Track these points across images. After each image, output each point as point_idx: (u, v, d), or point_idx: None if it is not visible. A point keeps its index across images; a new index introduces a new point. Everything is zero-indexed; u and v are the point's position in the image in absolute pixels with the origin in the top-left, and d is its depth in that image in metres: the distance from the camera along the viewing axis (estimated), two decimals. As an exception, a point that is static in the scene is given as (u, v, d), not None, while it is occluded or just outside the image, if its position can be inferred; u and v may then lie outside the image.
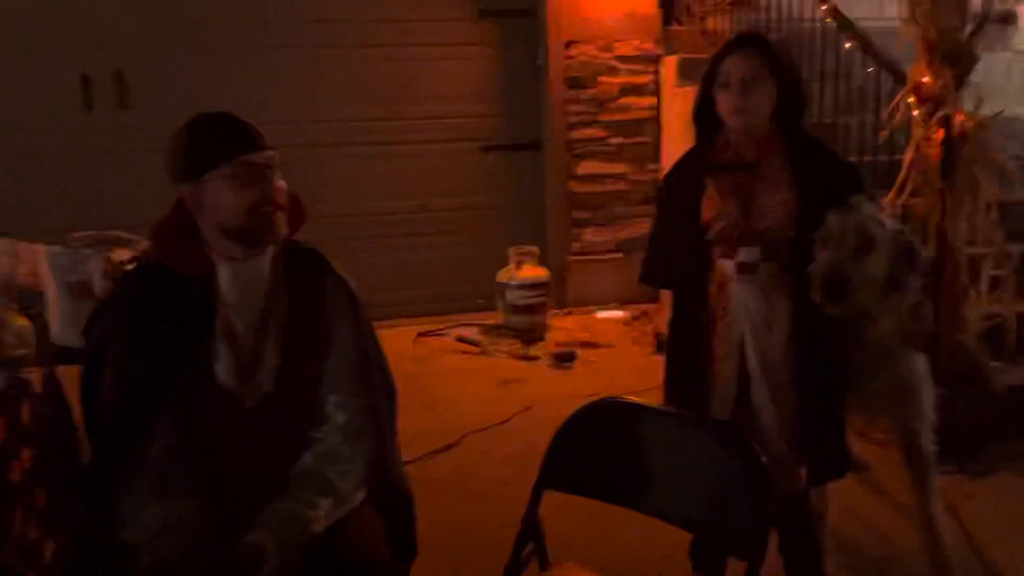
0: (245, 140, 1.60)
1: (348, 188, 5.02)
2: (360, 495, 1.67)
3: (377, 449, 1.73)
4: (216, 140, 1.59)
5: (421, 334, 4.77)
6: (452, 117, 5.13)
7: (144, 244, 2.63)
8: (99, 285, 2.09)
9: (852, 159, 3.42)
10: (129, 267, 2.38)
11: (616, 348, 4.50)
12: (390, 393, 1.85)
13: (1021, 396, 3.12)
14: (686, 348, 2.14)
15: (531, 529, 1.67)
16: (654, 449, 1.60)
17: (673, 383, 2.19)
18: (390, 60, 4.97)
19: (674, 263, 2.16)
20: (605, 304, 5.14)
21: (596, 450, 1.66)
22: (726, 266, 2.06)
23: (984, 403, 3.09)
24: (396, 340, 4.63)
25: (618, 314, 5.02)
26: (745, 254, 2.03)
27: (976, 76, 4.70)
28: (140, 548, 1.48)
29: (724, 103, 2.02)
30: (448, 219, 5.22)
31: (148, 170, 4.06)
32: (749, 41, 2.08)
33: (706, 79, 2.07)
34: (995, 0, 3.06)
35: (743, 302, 2.05)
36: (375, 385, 1.76)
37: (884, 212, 2.17)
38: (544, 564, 1.70)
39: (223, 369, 1.62)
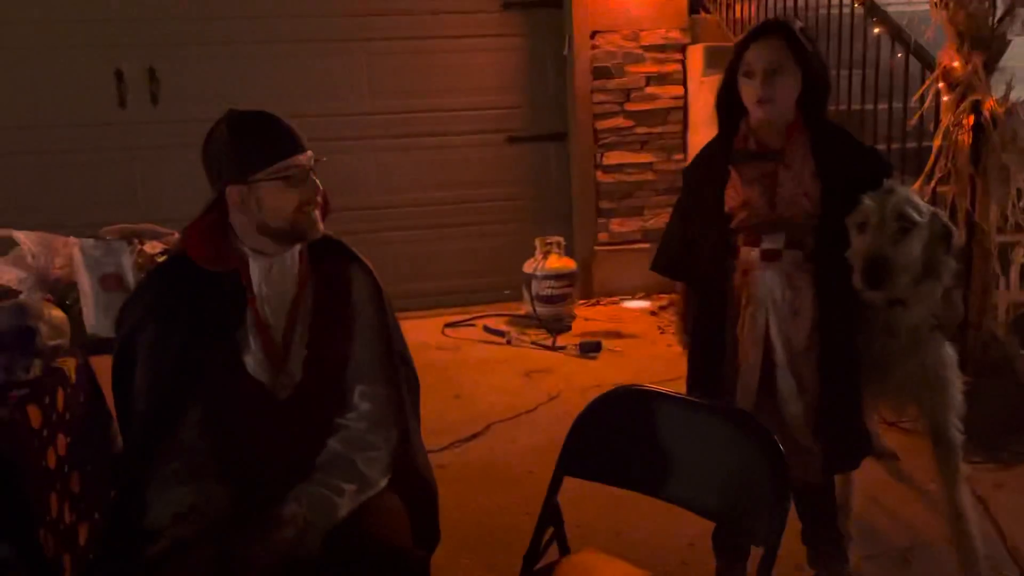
0: (292, 142, 1.63)
1: (375, 181, 5.07)
2: (384, 482, 1.70)
3: (401, 437, 1.75)
4: (264, 142, 1.61)
5: (449, 324, 4.81)
6: (479, 108, 5.15)
7: (175, 237, 2.68)
8: (131, 277, 2.14)
9: (880, 146, 3.40)
10: (160, 258, 2.46)
11: (642, 338, 4.50)
12: (413, 383, 1.88)
13: (1052, 385, 3.07)
14: (710, 337, 2.12)
15: (551, 515, 1.69)
16: (672, 436, 1.61)
17: (697, 372, 2.18)
18: (416, 53, 5.00)
19: (695, 253, 2.15)
20: (632, 294, 5.14)
21: (615, 437, 1.68)
22: (751, 254, 2.05)
23: (1014, 392, 3.05)
24: (424, 330, 4.69)
25: (644, 304, 5.02)
26: (770, 241, 2.02)
27: (1015, 61, 4.66)
28: (160, 533, 1.51)
29: (748, 93, 2.00)
30: (475, 210, 5.25)
31: (180, 164, 4.20)
32: (774, 29, 2.06)
33: (730, 68, 2.05)
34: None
35: (768, 290, 2.04)
36: (399, 374, 1.78)
37: (919, 196, 2.14)
38: (564, 549, 1.72)
39: (253, 361, 1.65)
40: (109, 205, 4.49)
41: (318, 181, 1.67)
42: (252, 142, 1.60)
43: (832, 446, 2.06)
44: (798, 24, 2.09)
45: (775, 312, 2.04)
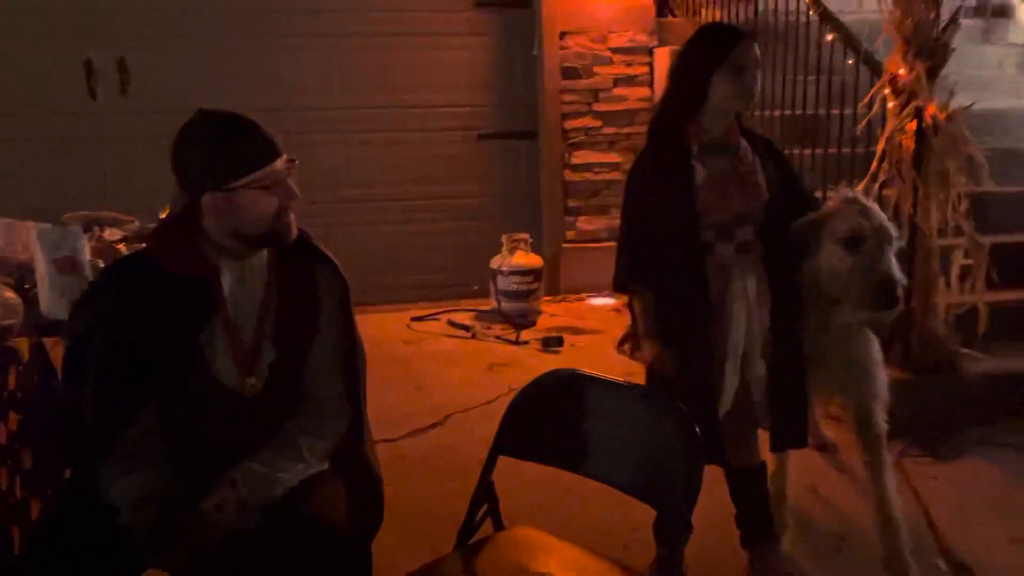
0: (270, 150, 1.60)
1: (345, 175, 5.13)
2: (324, 464, 1.72)
3: (353, 427, 1.78)
4: (243, 151, 1.58)
5: (415, 318, 4.87)
6: (449, 106, 5.22)
7: (136, 225, 2.73)
8: (86, 261, 2.18)
9: (832, 150, 3.51)
10: (119, 245, 2.51)
11: (605, 334, 4.57)
12: (363, 371, 1.91)
13: (990, 383, 3.18)
14: (696, 337, 2.10)
15: (485, 493, 1.76)
16: (600, 417, 1.69)
17: (691, 373, 2.09)
18: (387, 49, 5.06)
19: (665, 258, 2.11)
20: (597, 291, 5.22)
21: (547, 419, 1.75)
22: (727, 248, 2.10)
23: (954, 390, 3.16)
24: (390, 324, 4.75)
25: (609, 301, 5.10)
26: (742, 234, 2.09)
27: (969, 69, 4.78)
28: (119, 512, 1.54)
29: (733, 87, 2.03)
30: (444, 206, 5.32)
31: (150, 156, 4.21)
32: (751, 31, 2.16)
33: (710, 63, 2.04)
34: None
35: (744, 281, 2.11)
36: (357, 370, 1.80)
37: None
38: (499, 526, 1.79)
39: (221, 364, 1.65)
40: (78, 195, 4.48)
41: (295, 186, 1.65)
42: (230, 150, 1.57)
43: (781, 425, 2.15)
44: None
45: (748, 303, 2.12)
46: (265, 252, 1.70)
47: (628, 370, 3.35)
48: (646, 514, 1.93)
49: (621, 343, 2.33)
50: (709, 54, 2.06)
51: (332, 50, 5.00)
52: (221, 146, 1.57)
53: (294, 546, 1.54)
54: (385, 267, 5.19)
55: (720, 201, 2.07)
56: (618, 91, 5.19)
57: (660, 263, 2.10)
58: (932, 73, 3.00)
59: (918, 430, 3.06)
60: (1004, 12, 5.66)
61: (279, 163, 1.61)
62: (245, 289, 1.68)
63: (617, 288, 2.23)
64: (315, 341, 1.73)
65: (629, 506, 1.73)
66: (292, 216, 1.66)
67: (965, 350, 3.22)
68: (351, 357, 1.78)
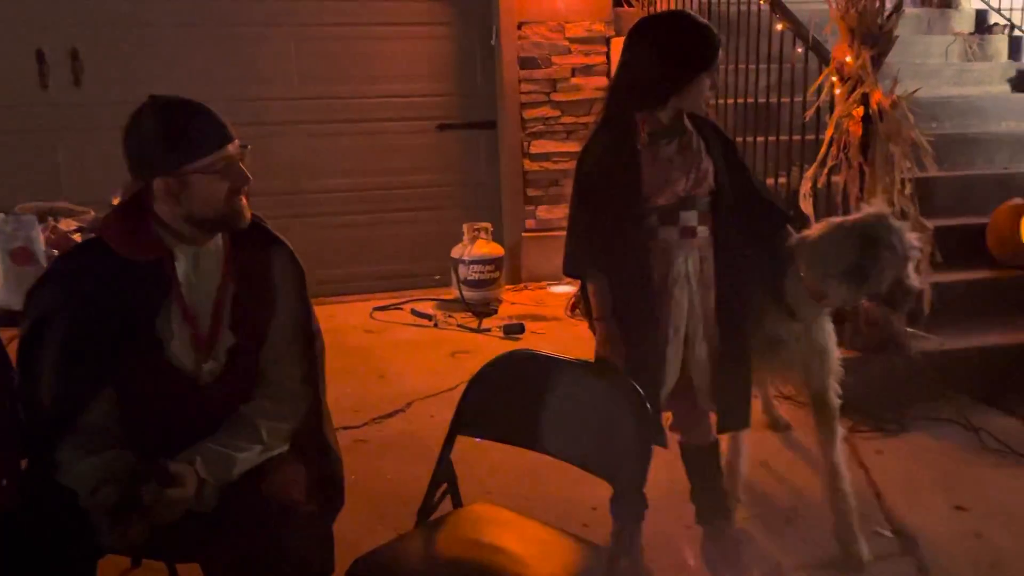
0: (222, 133, 1.61)
1: (304, 166, 5.11)
2: (284, 447, 1.75)
3: (311, 411, 1.80)
4: (195, 135, 1.58)
5: (378, 308, 4.88)
6: (408, 96, 5.22)
7: (91, 216, 2.71)
8: (41, 251, 2.17)
9: (783, 137, 3.60)
10: (74, 235, 2.49)
11: (564, 321, 4.64)
12: (322, 356, 1.93)
13: (934, 361, 3.30)
14: (642, 320, 2.14)
15: (444, 471, 1.80)
16: (556, 395, 1.73)
17: (637, 356, 2.13)
18: (345, 39, 5.05)
19: (614, 242, 2.14)
20: (557, 279, 5.28)
21: (503, 398, 1.80)
22: (671, 233, 2.14)
23: (899, 368, 3.27)
24: (352, 314, 4.76)
25: (569, 289, 5.15)
26: (686, 219, 2.14)
27: (915, 58, 4.91)
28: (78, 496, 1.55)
29: (708, 85, 2.11)
30: (405, 197, 5.33)
31: (104, 147, 4.15)
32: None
33: (697, 64, 2.07)
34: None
35: (687, 265, 2.15)
36: (315, 354, 1.82)
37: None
38: (458, 504, 1.83)
39: (178, 350, 1.66)
40: (32, 186, 4.42)
41: (247, 170, 1.66)
42: (182, 134, 1.57)
43: (727, 407, 2.22)
44: None
45: (693, 286, 2.16)
46: (220, 237, 1.71)
47: (589, 354, 3.45)
48: (606, 492, 1.99)
49: (573, 308, 2.39)
50: (697, 55, 2.08)
51: (290, 39, 4.97)
52: (172, 131, 1.57)
53: (253, 526, 1.55)
54: (346, 258, 5.19)
55: (664, 186, 2.11)
56: (576, 80, 5.24)
57: (607, 247, 2.13)
58: (877, 61, 3.09)
59: (866, 407, 3.16)
60: (948, 2, 5.81)
61: (231, 147, 1.63)
62: (201, 274, 1.68)
63: (567, 272, 2.26)
64: (272, 325, 1.75)
65: (589, 484, 1.78)
66: (244, 200, 1.67)
67: (911, 329, 3.33)
68: (308, 341, 1.80)
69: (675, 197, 2.12)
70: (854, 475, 2.59)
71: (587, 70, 5.23)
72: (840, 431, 2.40)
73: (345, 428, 3.22)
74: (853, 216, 2.26)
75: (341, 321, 4.56)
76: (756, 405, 2.87)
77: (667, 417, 2.33)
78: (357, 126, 5.18)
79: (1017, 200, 3.81)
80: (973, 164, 4.38)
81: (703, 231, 2.16)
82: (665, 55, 2.07)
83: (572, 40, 5.19)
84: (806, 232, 2.25)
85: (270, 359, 1.76)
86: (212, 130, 1.61)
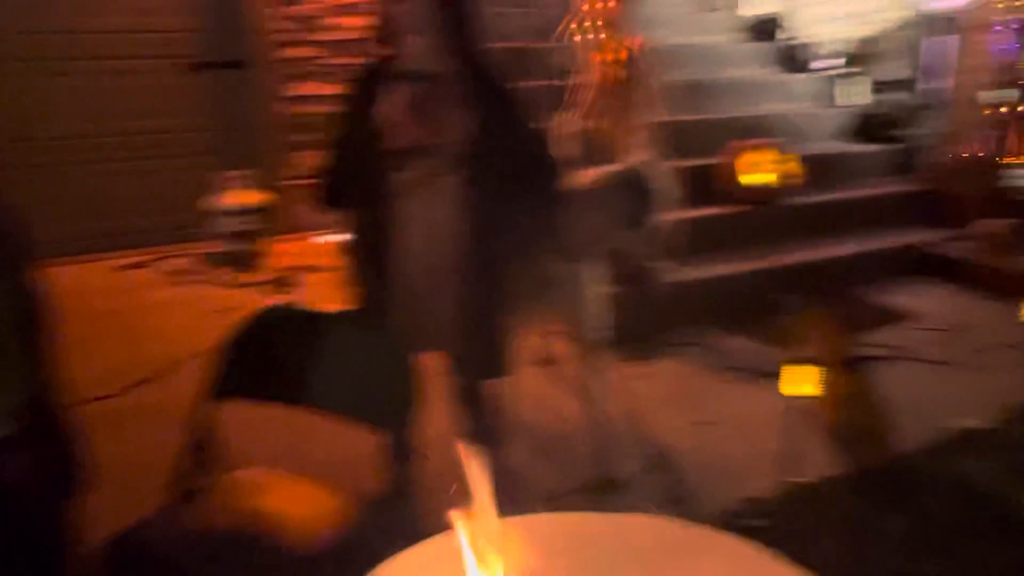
0: None
1: (30, 109, 4.52)
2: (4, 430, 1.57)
3: (36, 390, 1.63)
4: None
5: (124, 267, 4.48)
6: (148, 31, 4.77)
7: None
8: None
9: (534, 83, 3.68)
10: None
11: (333, 272, 4.51)
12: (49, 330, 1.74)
13: (679, 291, 3.59)
14: (374, 261, 2.15)
15: (202, 437, 1.69)
16: (318, 349, 1.67)
17: (369, 296, 2.19)
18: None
19: (355, 180, 2.14)
20: (325, 229, 5.11)
21: (266, 355, 1.71)
22: (404, 176, 2.10)
23: (650, 299, 3.52)
24: (95, 275, 4.34)
25: (338, 238, 5.01)
26: (423, 164, 2.09)
27: (656, 7, 5.21)
28: None
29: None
30: (151, 143, 4.90)
31: None
32: None
33: None
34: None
35: (422, 210, 2.12)
36: (38, 325, 1.63)
37: None
38: (224, 471, 1.73)
39: None
40: None
41: None
42: None
43: (474, 356, 2.24)
44: None
45: (426, 233, 2.13)
46: None
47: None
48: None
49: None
50: None
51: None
52: None
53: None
54: (87, 213, 4.69)
55: (400, 129, 2.07)
56: (340, 20, 5.02)
57: (348, 189, 2.14)
58: (626, 7, 3.23)
59: (621, 336, 3.38)
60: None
61: None
62: None
63: (317, 204, 2.25)
64: None
65: (361, 436, 1.73)
66: None
67: (662, 263, 3.58)
68: (27, 311, 1.61)
69: (411, 141, 2.07)
70: (614, 402, 2.78)
71: (351, 9, 5.01)
72: (602, 364, 2.55)
73: (94, 400, 2.95)
74: (625, 165, 2.37)
75: (83, 283, 4.13)
76: (532, 343, 2.98)
77: (435, 358, 2.33)
78: (92, 64, 4.67)
79: (737, 142, 4.21)
80: (704, 109, 4.76)
81: (445, 180, 2.11)
82: None
83: (331, -25, 4.96)
84: (580, 179, 2.32)
85: None
86: None
